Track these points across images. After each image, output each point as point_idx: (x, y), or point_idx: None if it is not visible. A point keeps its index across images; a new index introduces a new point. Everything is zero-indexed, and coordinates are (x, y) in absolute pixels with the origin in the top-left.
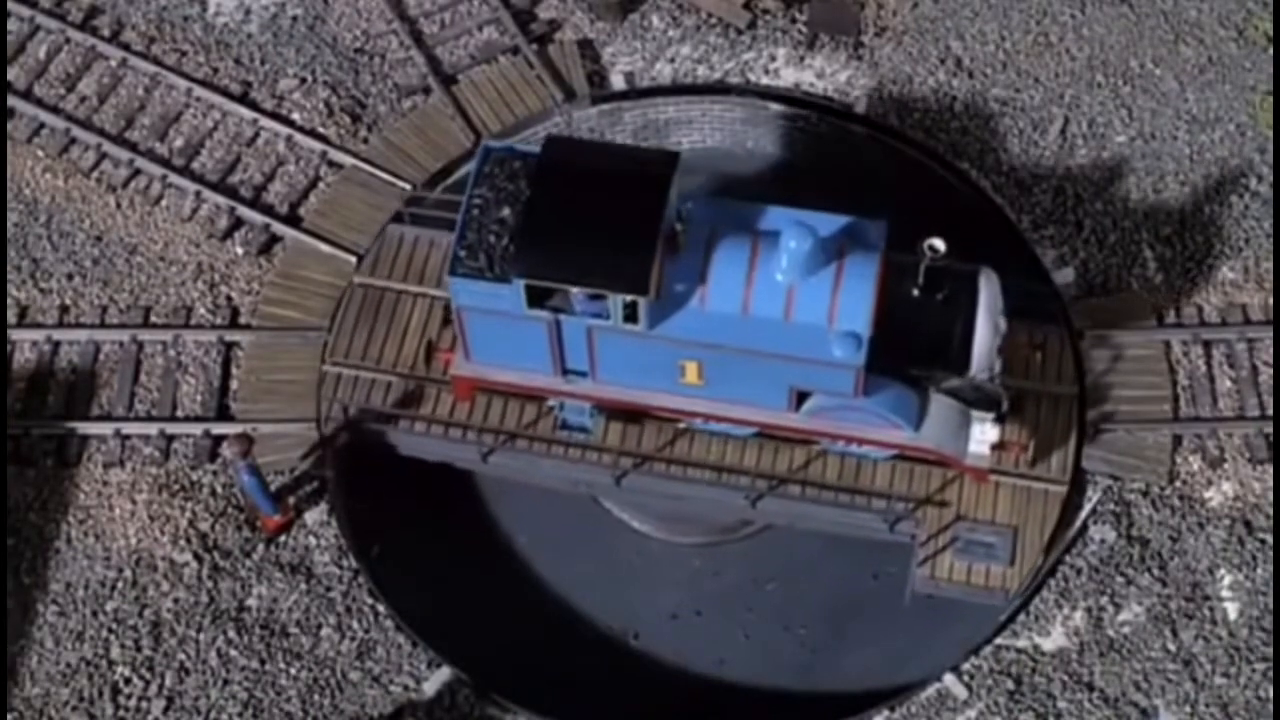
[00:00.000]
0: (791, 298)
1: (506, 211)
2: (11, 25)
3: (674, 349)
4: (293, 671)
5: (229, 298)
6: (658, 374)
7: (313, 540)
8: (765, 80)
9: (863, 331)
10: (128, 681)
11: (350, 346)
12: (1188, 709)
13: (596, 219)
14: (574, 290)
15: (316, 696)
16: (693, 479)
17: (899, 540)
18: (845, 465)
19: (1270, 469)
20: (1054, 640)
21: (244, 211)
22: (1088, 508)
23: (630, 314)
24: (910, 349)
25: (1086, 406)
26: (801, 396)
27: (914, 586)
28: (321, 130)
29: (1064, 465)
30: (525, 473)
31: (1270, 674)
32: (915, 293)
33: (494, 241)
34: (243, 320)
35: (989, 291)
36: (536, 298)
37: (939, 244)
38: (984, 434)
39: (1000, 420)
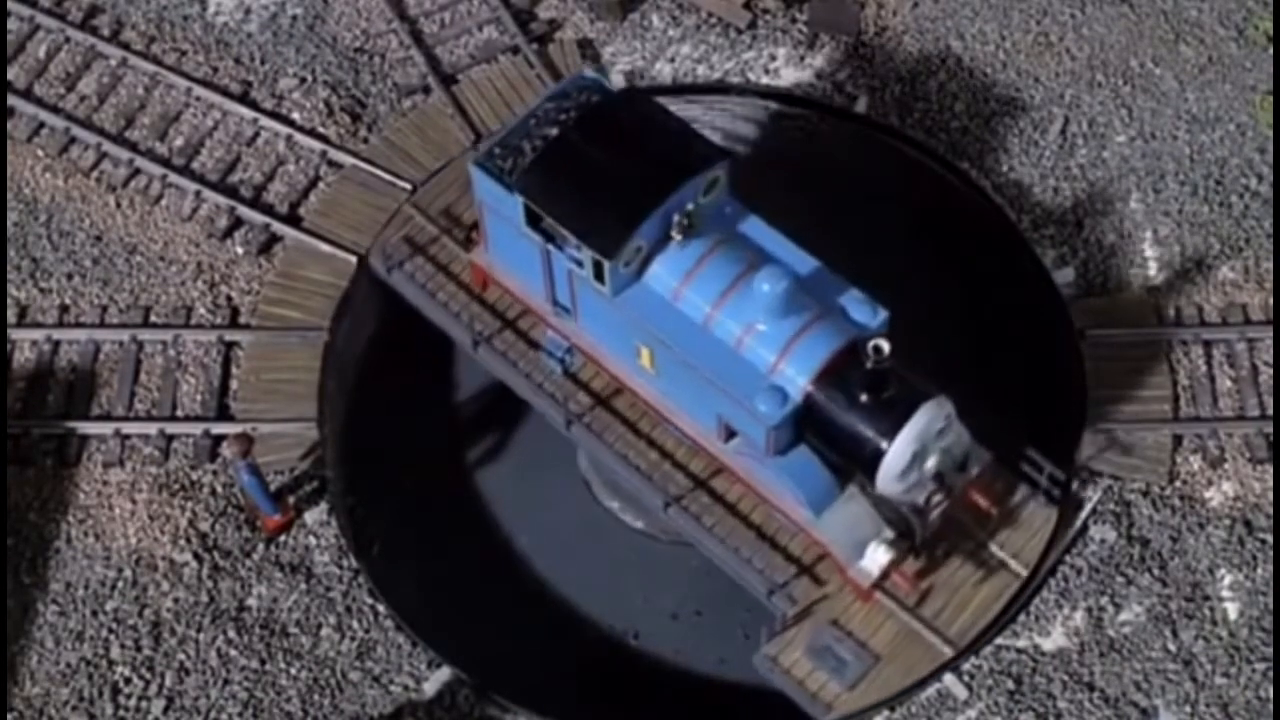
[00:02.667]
0: (748, 333)
1: (552, 131)
2: (11, 25)
3: (632, 327)
4: (293, 671)
5: (229, 297)
6: (621, 346)
7: (313, 540)
8: (765, 80)
9: (793, 394)
10: (128, 681)
11: (435, 203)
12: (1188, 709)
13: (608, 174)
14: (557, 227)
15: (316, 696)
16: (631, 456)
17: (771, 609)
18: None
19: (1270, 469)
20: (1054, 640)
21: (244, 211)
22: (1088, 508)
23: (598, 273)
24: (834, 437)
25: (1032, 590)
26: (732, 431)
27: (755, 658)
28: (321, 130)
29: (964, 631)
30: (503, 376)
31: (1270, 674)
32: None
33: (525, 152)
34: (243, 320)
35: (923, 420)
36: (532, 219)
37: (884, 345)
38: (875, 553)
39: (905, 550)
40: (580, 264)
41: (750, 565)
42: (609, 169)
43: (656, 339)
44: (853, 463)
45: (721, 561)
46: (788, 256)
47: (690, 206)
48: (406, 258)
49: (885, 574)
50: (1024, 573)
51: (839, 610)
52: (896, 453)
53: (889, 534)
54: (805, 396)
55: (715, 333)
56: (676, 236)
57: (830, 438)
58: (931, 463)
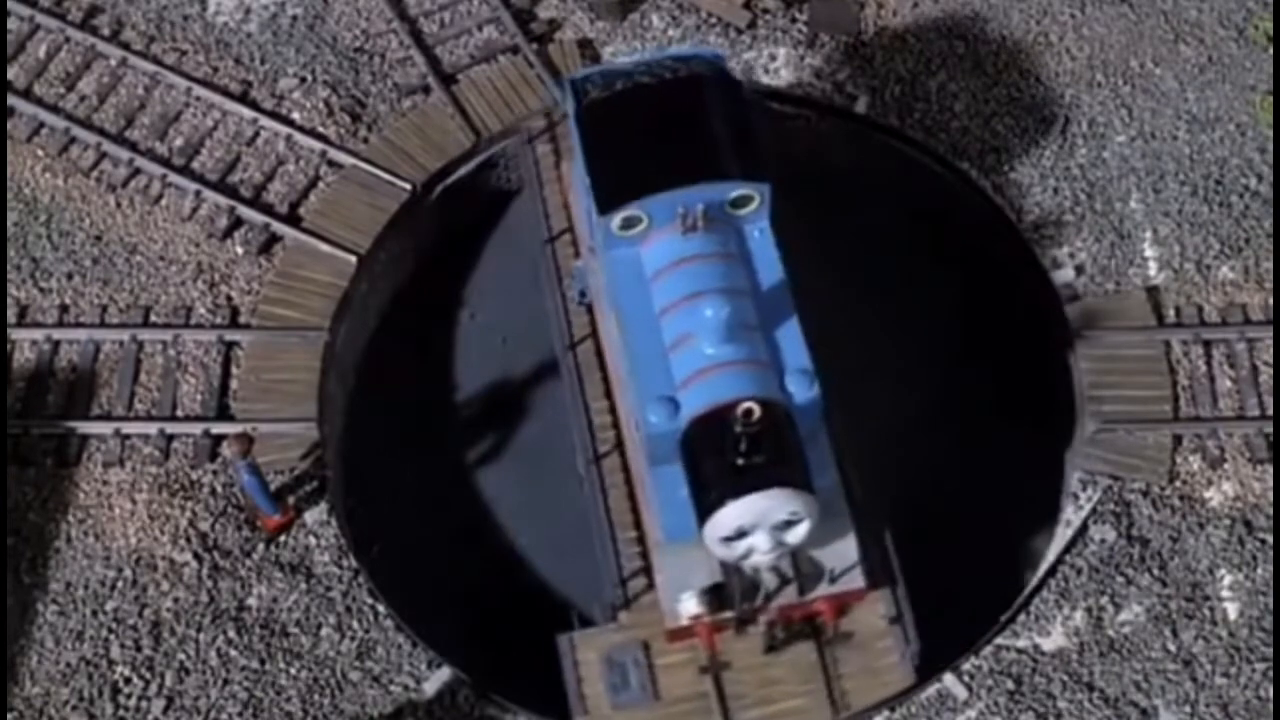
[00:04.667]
0: (683, 343)
1: (643, 81)
2: (11, 25)
3: (611, 288)
4: (293, 671)
5: (229, 297)
6: (607, 302)
7: (313, 540)
8: (765, 80)
9: (682, 417)
10: (128, 681)
11: None
12: (1188, 709)
13: (657, 141)
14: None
15: (316, 696)
16: (591, 406)
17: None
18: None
19: (1270, 469)
20: (1054, 640)
21: (244, 211)
22: (1088, 508)
23: (593, 221)
24: (692, 475)
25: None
26: None
27: (560, 637)
28: (321, 130)
29: None
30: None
31: (1270, 674)
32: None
33: (611, 89)
34: (243, 320)
35: (764, 503)
36: (583, 148)
37: (755, 411)
38: (687, 600)
39: (714, 609)
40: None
41: (613, 547)
42: (660, 136)
43: (616, 308)
44: (694, 507)
45: (595, 534)
46: (771, 301)
47: (701, 206)
48: (540, 137)
49: (692, 623)
50: (832, 716)
51: (655, 638)
52: (723, 517)
53: (707, 586)
54: (689, 425)
55: (662, 329)
56: (680, 228)
57: (690, 474)
58: (761, 548)
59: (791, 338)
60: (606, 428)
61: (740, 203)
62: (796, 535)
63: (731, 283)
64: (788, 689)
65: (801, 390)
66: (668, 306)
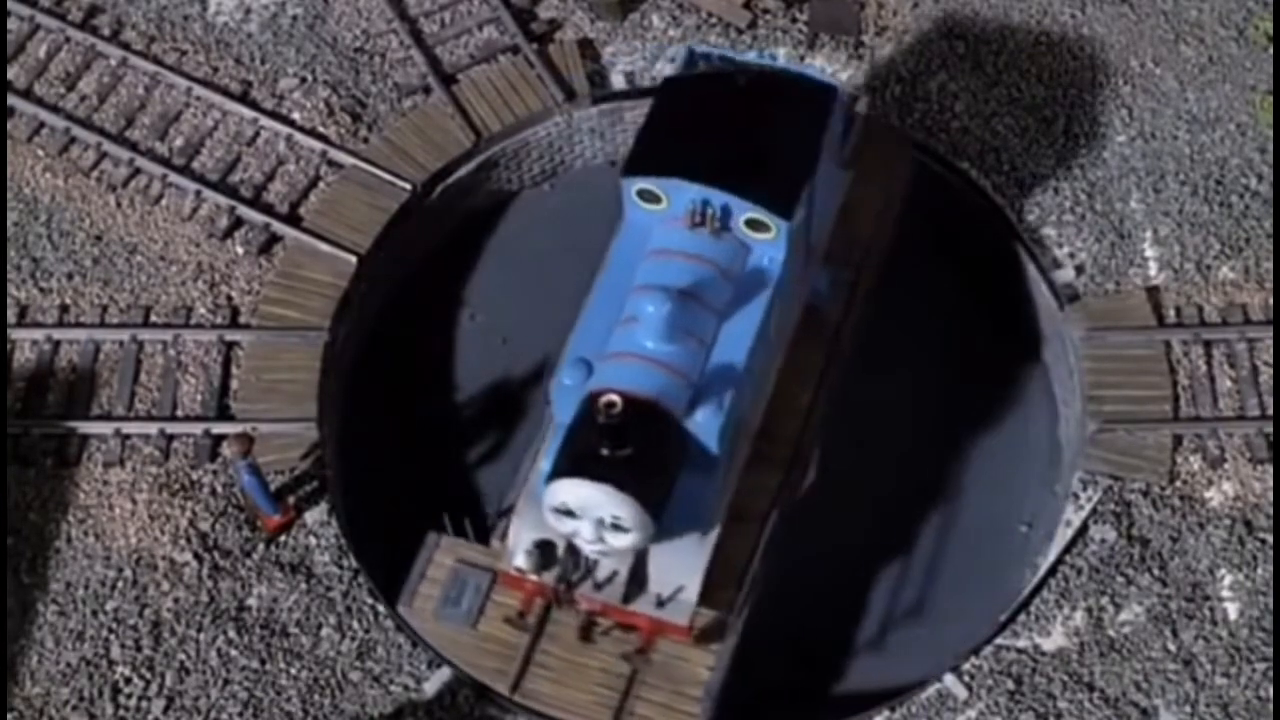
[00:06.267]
0: (630, 323)
1: (740, 72)
2: (11, 25)
3: (615, 240)
4: (293, 671)
5: (229, 297)
6: (609, 255)
7: (313, 540)
8: None
9: (590, 382)
10: (128, 681)
11: None
12: (1188, 709)
13: (715, 130)
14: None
15: (316, 696)
16: None
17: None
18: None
19: (1270, 469)
20: (1054, 640)
21: (244, 211)
22: (1088, 508)
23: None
24: (567, 439)
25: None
26: None
27: (430, 540)
28: (321, 130)
29: (530, 693)
30: None
31: (1270, 674)
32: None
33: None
34: (243, 320)
35: (585, 491)
36: (647, 113)
37: (616, 403)
38: (519, 552)
39: (536, 570)
40: None
41: (520, 481)
42: (713, 131)
43: (606, 265)
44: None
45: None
46: (735, 331)
47: (714, 211)
48: None
49: (520, 574)
50: None
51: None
52: (556, 489)
53: (537, 544)
54: (588, 395)
55: (626, 303)
56: (687, 221)
57: (563, 439)
58: (584, 535)
59: (729, 371)
60: None
61: (756, 226)
62: (620, 542)
63: (703, 291)
64: (585, 681)
65: (705, 415)
66: (639, 286)
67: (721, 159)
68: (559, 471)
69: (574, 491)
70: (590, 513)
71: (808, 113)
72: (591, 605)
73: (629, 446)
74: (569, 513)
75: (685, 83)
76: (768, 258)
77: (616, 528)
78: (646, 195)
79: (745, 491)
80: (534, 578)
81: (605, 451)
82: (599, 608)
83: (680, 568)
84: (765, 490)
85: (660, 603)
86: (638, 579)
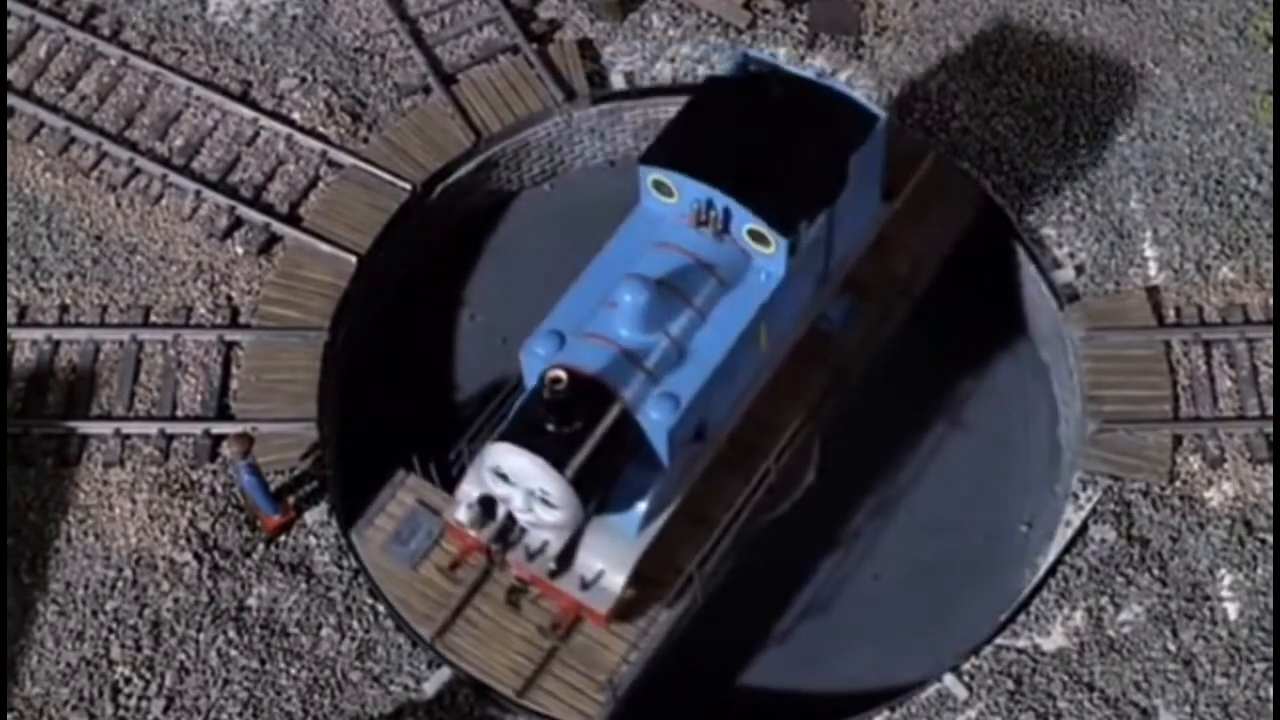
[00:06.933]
0: (609, 306)
1: (783, 81)
2: (11, 25)
3: (625, 221)
4: (293, 671)
5: (229, 297)
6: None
7: (313, 540)
8: None
9: (557, 356)
10: (128, 681)
11: None
12: (1188, 709)
13: (731, 133)
14: None
15: (316, 696)
16: None
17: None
18: None
19: (1270, 469)
20: (1054, 640)
21: (244, 211)
22: (1088, 508)
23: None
24: (521, 404)
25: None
26: None
27: (399, 476)
28: (321, 130)
29: (451, 647)
30: None
31: (1270, 674)
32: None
33: (746, 76)
34: (243, 320)
35: (522, 461)
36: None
37: (562, 378)
38: (461, 503)
39: (475, 525)
40: None
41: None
42: (736, 136)
43: (610, 245)
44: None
45: None
46: (712, 335)
47: (714, 211)
48: None
49: (460, 528)
50: (513, 694)
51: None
52: (493, 450)
53: (479, 499)
54: (550, 366)
55: (614, 287)
56: (691, 220)
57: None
58: (514, 503)
59: (695, 373)
60: None
61: (758, 238)
62: (548, 516)
63: (691, 290)
64: (506, 646)
65: (659, 412)
66: (628, 274)
67: (735, 164)
68: (501, 436)
69: (509, 458)
70: (523, 482)
71: (840, 135)
72: (521, 572)
73: (575, 425)
74: (504, 478)
75: (726, 84)
76: (765, 271)
77: (545, 502)
78: (660, 187)
79: (708, 496)
80: (472, 533)
81: (551, 427)
82: (528, 576)
83: (610, 556)
84: (730, 498)
85: (584, 585)
86: (568, 557)
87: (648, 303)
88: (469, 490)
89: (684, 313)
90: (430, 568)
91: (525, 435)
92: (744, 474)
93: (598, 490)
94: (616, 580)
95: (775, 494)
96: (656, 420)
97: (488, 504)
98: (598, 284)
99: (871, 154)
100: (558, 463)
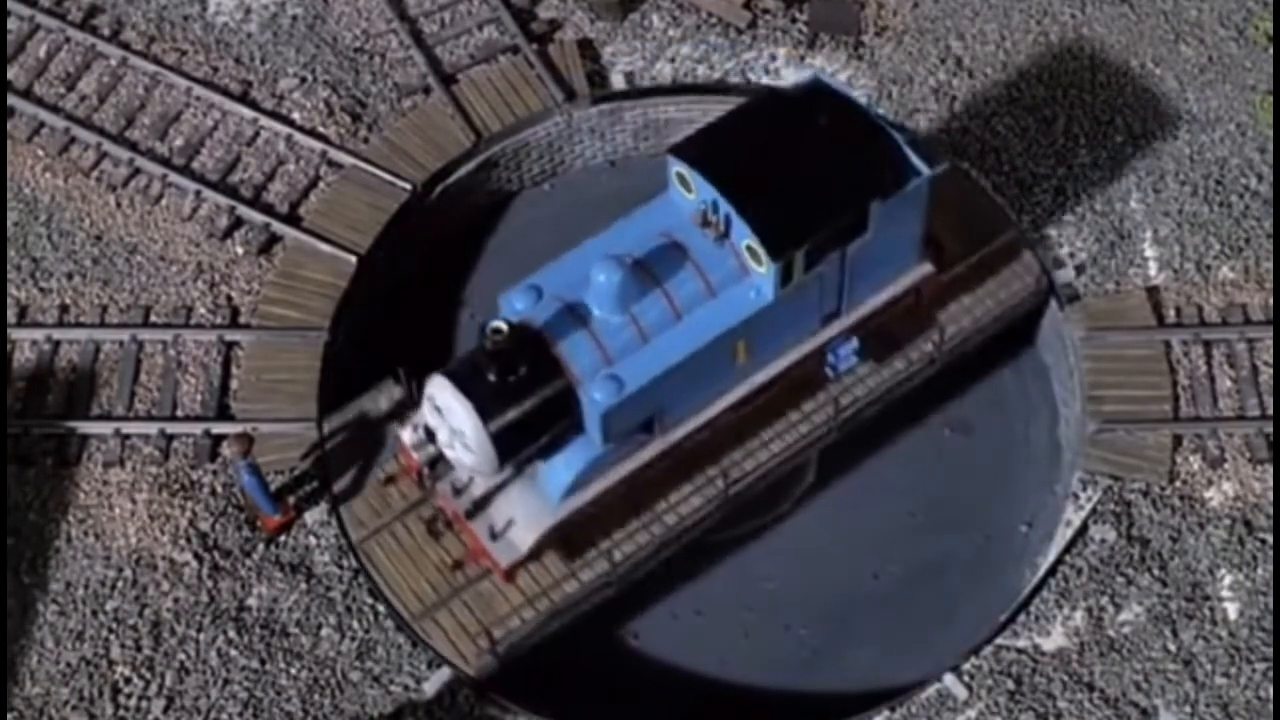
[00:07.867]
0: (590, 281)
1: (825, 116)
2: (11, 25)
3: (645, 204)
4: (293, 671)
5: (229, 297)
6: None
7: (313, 540)
8: (765, 80)
9: (529, 312)
10: (128, 681)
11: None
12: (1188, 709)
13: (764, 146)
14: None
15: (316, 696)
16: None
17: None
18: None
19: (1270, 469)
20: (1054, 640)
21: (244, 211)
22: (1088, 508)
23: None
24: (475, 348)
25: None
26: None
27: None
28: (321, 130)
29: (369, 560)
30: None
31: (1270, 674)
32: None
33: (800, 94)
34: (243, 320)
35: (447, 396)
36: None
37: (501, 329)
38: (409, 426)
39: (417, 449)
40: None
41: None
42: (768, 151)
43: (624, 220)
44: None
45: None
46: (680, 334)
47: (715, 216)
48: None
49: (403, 449)
50: (408, 618)
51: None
52: (429, 383)
53: (424, 426)
54: (518, 319)
55: (600, 266)
56: (698, 218)
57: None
58: (440, 437)
59: (651, 364)
60: None
61: (753, 254)
62: (464, 458)
63: (675, 287)
64: (418, 571)
65: (601, 392)
66: (609, 254)
67: (750, 176)
68: (443, 371)
69: (443, 394)
70: (449, 418)
71: (871, 180)
72: (445, 505)
73: (513, 379)
74: (438, 410)
75: (782, 98)
76: (756, 289)
77: (465, 445)
78: (682, 180)
79: (655, 490)
80: (412, 453)
81: (493, 376)
82: (450, 511)
83: (527, 515)
84: (679, 501)
85: (494, 535)
86: (487, 501)
87: (619, 284)
88: (423, 414)
89: (659, 304)
90: (375, 475)
91: (463, 377)
92: (703, 483)
93: (519, 449)
94: (525, 538)
95: (775, 494)
96: (597, 400)
97: (430, 432)
98: (593, 253)
99: (905, 208)
100: (484, 411)
